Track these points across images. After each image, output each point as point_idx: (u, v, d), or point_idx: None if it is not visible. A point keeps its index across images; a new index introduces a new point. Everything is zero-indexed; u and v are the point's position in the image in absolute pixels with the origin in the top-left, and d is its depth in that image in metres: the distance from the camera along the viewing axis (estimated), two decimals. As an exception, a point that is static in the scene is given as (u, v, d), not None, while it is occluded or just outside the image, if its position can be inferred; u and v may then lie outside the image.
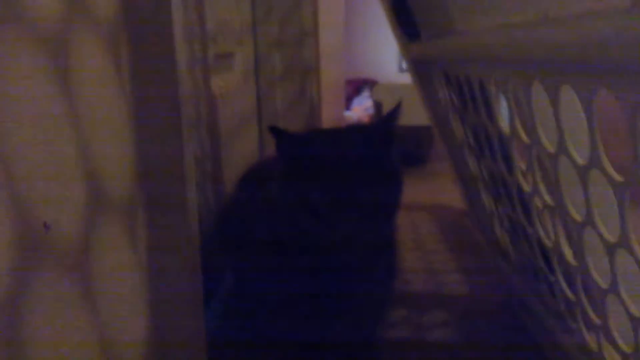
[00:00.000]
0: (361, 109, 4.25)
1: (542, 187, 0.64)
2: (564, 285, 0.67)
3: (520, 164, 0.70)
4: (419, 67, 1.05)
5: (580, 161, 0.51)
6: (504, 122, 0.71)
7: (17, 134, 0.30)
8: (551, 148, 0.56)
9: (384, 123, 0.74)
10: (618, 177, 0.45)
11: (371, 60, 4.79)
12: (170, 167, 0.44)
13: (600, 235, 0.51)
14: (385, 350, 0.86)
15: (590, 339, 0.64)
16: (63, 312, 0.34)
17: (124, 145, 0.42)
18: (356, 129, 0.82)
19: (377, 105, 2.21)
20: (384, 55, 4.74)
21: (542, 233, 0.69)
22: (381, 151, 0.72)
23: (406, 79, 1.34)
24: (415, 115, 1.60)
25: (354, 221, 0.68)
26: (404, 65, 4.20)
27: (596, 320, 0.59)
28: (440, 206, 1.65)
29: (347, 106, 4.20)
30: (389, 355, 0.85)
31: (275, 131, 0.73)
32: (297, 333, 0.83)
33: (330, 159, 0.70)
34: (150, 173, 0.45)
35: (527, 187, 0.69)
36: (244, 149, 1.33)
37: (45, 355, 0.32)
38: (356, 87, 4.57)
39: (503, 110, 0.72)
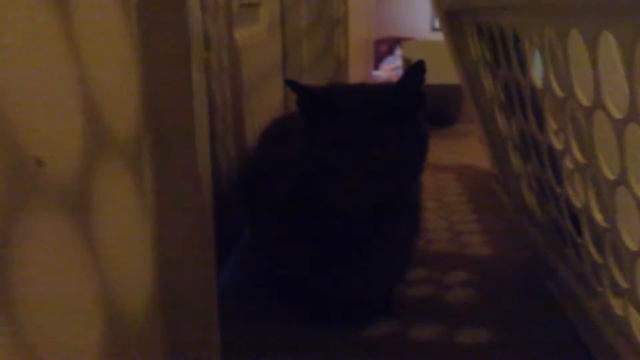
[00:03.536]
0: (390, 68, 4.18)
1: (574, 145, 0.61)
2: (591, 247, 0.64)
3: (552, 123, 0.67)
4: (451, 20, 1.01)
5: (618, 115, 0.47)
6: (537, 76, 0.68)
7: (6, 57, 0.27)
8: (586, 102, 0.53)
9: (409, 80, 0.70)
10: (658, 131, 0.42)
11: (404, 19, 4.68)
12: (179, 104, 0.42)
13: (634, 195, 0.48)
14: (404, 308, 0.85)
15: (615, 303, 0.62)
16: (59, 257, 0.32)
17: (128, 78, 0.40)
18: (380, 86, 0.79)
19: (407, 62, 2.16)
20: (417, 14, 4.63)
21: (571, 193, 0.66)
22: (406, 109, 0.70)
23: (438, 37, 1.30)
24: (445, 74, 1.56)
25: (371, 183, 0.66)
26: (437, 24, 4.09)
27: (624, 284, 0.57)
28: (467, 167, 1.62)
29: (377, 66, 4.14)
30: (408, 313, 0.84)
31: (293, 84, 0.71)
32: (314, 288, 0.82)
33: (346, 114, 0.68)
34: (157, 110, 0.43)
35: (558, 145, 0.65)
36: (268, 103, 1.31)
37: (39, 308, 0.30)
38: (389, 46, 4.49)
39: (536, 64, 0.68)
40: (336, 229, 0.74)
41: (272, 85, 1.34)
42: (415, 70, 0.69)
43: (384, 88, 0.74)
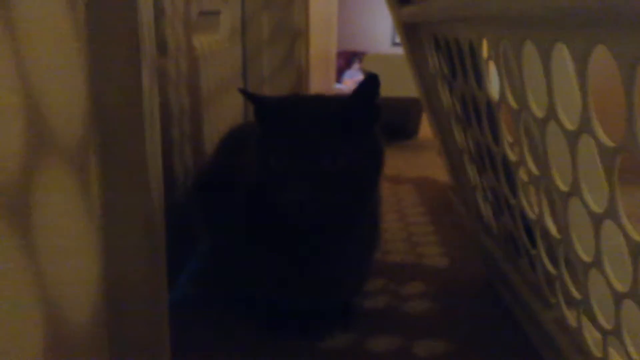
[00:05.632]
0: (352, 82, 4.20)
1: (528, 157, 0.61)
2: (545, 258, 0.65)
3: (507, 136, 0.68)
4: (410, 33, 1.01)
5: (570, 126, 0.48)
6: (492, 89, 0.68)
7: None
8: (540, 114, 0.54)
9: (362, 93, 0.70)
10: (609, 142, 0.42)
11: (364, 33, 4.73)
12: (128, 108, 0.40)
13: (586, 206, 0.49)
14: (362, 319, 0.84)
15: (569, 314, 0.62)
16: None
17: (75, 79, 0.38)
18: (335, 98, 0.78)
19: (367, 76, 2.17)
20: (377, 29, 4.68)
21: (525, 205, 0.67)
22: (360, 122, 0.69)
23: (399, 51, 1.30)
24: (406, 87, 1.57)
25: (321, 195, 0.65)
26: (397, 38, 4.14)
27: (577, 295, 0.57)
28: (426, 179, 1.63)
29: (338, 79, 4.16)
30: (365, 324, 0.83)
31: (247, 94, 0.72)
32: (269, 299, 0.81)
33: (297, 124, 0.67)
34: (106, 113, 0.41)
35: (513, 157, 0.66)
36: (227, 113, 1.29)
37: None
38: (346, 60, 4.52)
39: (493, 77, 0.69)
40: (291, 240, 0.73)
41: (231, 95, 1.33)
42: (368, 84, 0.68)
43: (338, 100, 0.74)
